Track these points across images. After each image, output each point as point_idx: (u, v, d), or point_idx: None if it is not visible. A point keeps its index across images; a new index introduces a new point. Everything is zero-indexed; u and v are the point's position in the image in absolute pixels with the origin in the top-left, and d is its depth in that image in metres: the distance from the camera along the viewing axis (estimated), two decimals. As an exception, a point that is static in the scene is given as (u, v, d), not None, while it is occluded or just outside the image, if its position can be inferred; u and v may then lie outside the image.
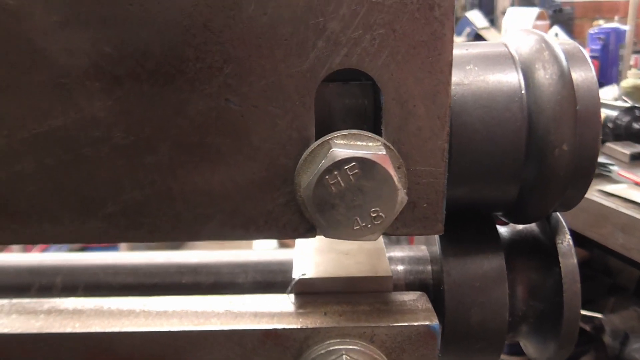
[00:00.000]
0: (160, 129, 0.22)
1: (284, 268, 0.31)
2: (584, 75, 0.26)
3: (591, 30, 2.90)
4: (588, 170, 0.27)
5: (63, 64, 0.21)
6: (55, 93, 0.22)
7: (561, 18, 3.74)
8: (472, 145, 0.26)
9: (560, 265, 0.29)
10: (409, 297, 0.26)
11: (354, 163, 0.20)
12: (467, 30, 3.96)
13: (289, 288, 0.26)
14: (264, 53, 0.21)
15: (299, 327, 0.24)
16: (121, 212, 0.23)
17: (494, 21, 3.97)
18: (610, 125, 2.17)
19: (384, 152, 0.20)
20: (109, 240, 0.23)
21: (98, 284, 0.31)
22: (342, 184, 0.20)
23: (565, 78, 0.26)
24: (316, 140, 0.21)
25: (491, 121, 0.26)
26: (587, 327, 2.33)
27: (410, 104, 0.21)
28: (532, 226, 0.32)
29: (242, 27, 0.21)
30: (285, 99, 0.21)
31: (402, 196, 0.21)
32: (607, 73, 2.80)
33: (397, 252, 0.32)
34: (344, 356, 0.23)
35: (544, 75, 0.26)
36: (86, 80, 0.21)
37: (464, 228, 0.30)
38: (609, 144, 2.08)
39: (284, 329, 0.24)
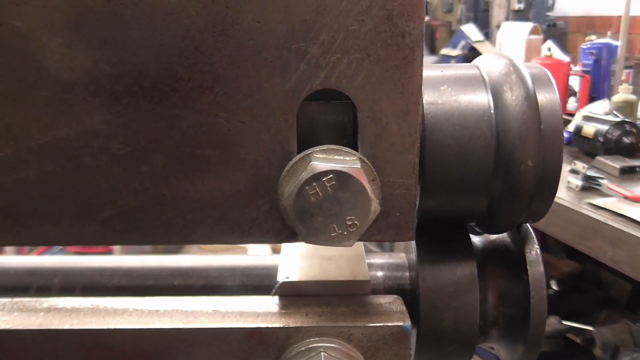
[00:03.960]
0: (154, 141, 0.24)
1: (271, 272, 0.32)
2: (548, 97, 0.29)
3: (583, 45, 2.94)
4: (552, 184, 0.29)
5: (66, 81, 0.23)
6: (59, 107, 0.24)
7: (555, 33, 3.79)
8: (444, 160, 0.28)
9: (528, 273, 0.31)
10: (385, 300, 0.28)
11: (331, 175, 0.22)
12: (462, 43, 4.01)
13: (274, 290, 0.28)
14: (250, 74, 0.23)
15: (281, 326, 0.26)
16: (117, 217, 0.25)
17: (488, 35, 4.01)
18: (601, 139, 2.20)
19: (359, 166, 0.22)
20: (105, 243, 0.25)
21: (94, 285, 0.32)
22: (321, 195, 0.22)
23: (530, 99, 0.28)
24: (298, 154, 0.23)
25: (462, 138, 0.28)
26: (578, 340, 2.34)
27: (383, 121, 0.23)
28: (504, 236, 0.34)
29: (230, 51, 0.23)
30: (269, 115, 0.23)
31: (375, 206, 0.23)
32: (599, 88, 2.84)
33: (377, 259, 0.34)
34: (322, 353, 0.25)
35: (511, 97, 0.28)
36: (87, 95, 0.23)
37: (439, 237, 0.32)
38: (600, 158, 2.11)
39: (267, 327, 0.26)
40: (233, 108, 0.23)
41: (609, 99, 2.62)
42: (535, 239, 0.32)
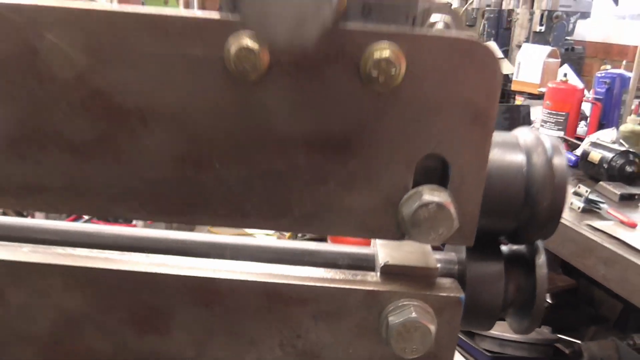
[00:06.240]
0: (334, 176, 0.40)
1: (367, 257, 0.49)
2: (559, 161, 0.45)
3: (598, 74, 3.05)
4: (557, 217, 0.45)
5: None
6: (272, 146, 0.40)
7: (572, 56, 3.89)
8: (491, 197, 0.44)
9: (536, 273, 0.48)
10: (447, 281, 0.45)
11: (434, 204, 0.39)
12: (483, 59, 4.10)
13: (377, 269, 0.45)
14: (389, 147, 0.40)
15: (387, 290, 0.43)
16: (299, 217, 0.41)
17: (508, 52, 4.12)
18: (605, 165, 2.34)
19: (450, 200, 0.39)
20: (291, 230, 0.42)
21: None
22: (426, 215, 0.39)
23: (549, 163, 0.45)
24: (413, 188, 0.40)
25: (504, 184, 0.44)
26: (567, 351, 2.47)
27: (465, 174, 0.40)
28: (522, 247, 0.51)
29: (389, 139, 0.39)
30: (397, 169, 0.40)
31: (456, 224, 0.39)
32: (609, 115, 2.96)
33: (437, 255, 0.51)
34: (412, 307, 0.41)
35: (537, 160, 0.45)
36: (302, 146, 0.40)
37: (481, 245, 0.49)
38: (602, 183, 2.25)
39: (379, 290, 0.42)
40: (380, 162, 0.40)
41: (617, 127, 2.73)
42: (543, 251, 0.49)
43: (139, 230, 0.52)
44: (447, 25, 0.42)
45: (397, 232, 0.41)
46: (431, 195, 0.39)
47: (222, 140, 0.40)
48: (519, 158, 0.45)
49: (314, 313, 0.43)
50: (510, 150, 0.46)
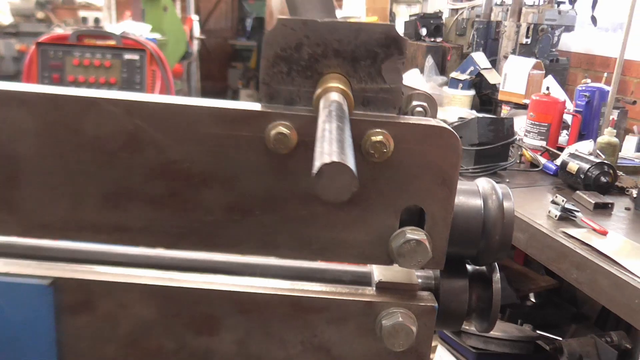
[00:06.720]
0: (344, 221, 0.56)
1: (365, 275, 0.65)
2: (508, 205, 0.61)
3: (579, 87, 3.23)
4: (507, 247, 0.61)
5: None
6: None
7: (557, 67, 4.06)
8: (457, 232, 0.60)
9: (493, 287, 0.64)
10: (425, 294, 0.61)
11: (414, 240, 0.54)
12: (471, 68, 4.30)
13: (373, 284, 0.61)
14: (382, 201, 0.55)
15: (380, 301, 0.58)
16: (317, 248, 0.57)
17: (496, 62, 4.29)
18: (582, 176, 2.51)
19: (425, 238, 0.55)
20: (309, 259, 0.57)
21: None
22: (409, 248, 0.54)
23: (500, 206, 0.60)
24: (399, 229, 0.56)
25: (467, 222, 0.60)
26: (547, 347, 2.63)
27: (436, 219, 0.56)
28: (483, 267, 0.66)
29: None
30: (388, 216, 0.56)
31: (430, 254, 0.55)
32: (589, 127, 3.15)
33: (419, 273, 0.66)
34: (399, 313, 0.57)
35: (491, 204, 0.60)
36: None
37: (450, 265, 0.64)
38: (579, 192, 2.42)
39: (375, 301, 0.58)
40: (377, 210, 0.56)
41: (595, 139, 2.90)
42: (498, 269, 0.65)
43: (189, 253, 0.67)
44: (424, 109, 0.58)
45: (388, 260, 0.57)
46: (412, 234, 0.55)
47: (261, 194, 0.55)
48: (478, 203, 0.61)
49: (327, 318, 0.59)
50: (472, 196, 0.62)
